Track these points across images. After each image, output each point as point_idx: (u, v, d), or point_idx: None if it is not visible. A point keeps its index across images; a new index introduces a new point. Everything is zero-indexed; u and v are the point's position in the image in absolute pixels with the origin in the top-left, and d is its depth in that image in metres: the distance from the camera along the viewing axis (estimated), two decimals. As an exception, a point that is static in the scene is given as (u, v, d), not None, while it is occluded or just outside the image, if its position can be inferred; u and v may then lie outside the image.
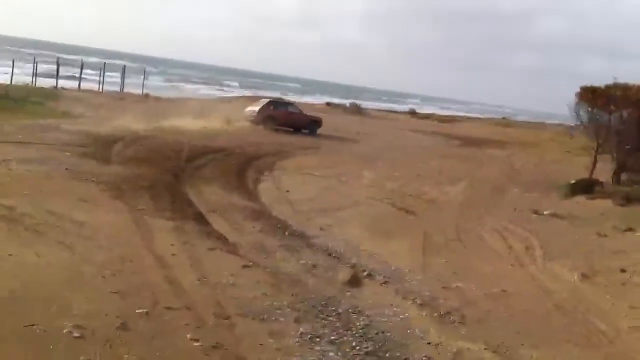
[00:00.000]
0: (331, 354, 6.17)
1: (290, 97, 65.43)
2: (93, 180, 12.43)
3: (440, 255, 10.92)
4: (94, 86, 41.82)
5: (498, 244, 12.20)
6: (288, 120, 31.07)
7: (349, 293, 8.19)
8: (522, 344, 7.15)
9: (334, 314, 7.30)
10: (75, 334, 5.44)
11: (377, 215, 13.69)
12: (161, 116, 27.05)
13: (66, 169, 13.10)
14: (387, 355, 6.38)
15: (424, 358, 6.44)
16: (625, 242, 12.59)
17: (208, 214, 11.34)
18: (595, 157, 21.55)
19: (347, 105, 57.92)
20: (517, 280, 9.75)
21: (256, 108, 30.83)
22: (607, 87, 21.24)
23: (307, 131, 31.13)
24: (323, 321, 7.00)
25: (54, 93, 33.49)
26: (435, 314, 7.82)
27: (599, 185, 18.94)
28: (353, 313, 7.42)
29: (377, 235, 11.80)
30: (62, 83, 39.68)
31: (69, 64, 52.04)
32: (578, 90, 22.20)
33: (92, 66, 50.69)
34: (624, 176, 20.98)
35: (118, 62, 65.42)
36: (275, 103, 32.54)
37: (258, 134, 26.88)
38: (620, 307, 8.53)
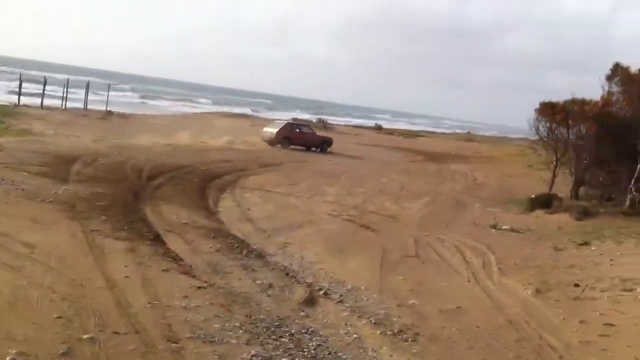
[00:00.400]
0: (281, 375, 6.14)
1: (260, 113, 66.14)
2: (49, 201, 12.24)
3: (398, 272, 10.96)
4: (58, 103, 41.20)
5: (456, 259, 12.32)
6: (302, 140, 33.81)
7: (303, 313, 8.15)
8: (474, 362, 7.23)
9: (287, 334, 7.26)
10: (18, 361, 5.34)
11: (337, 232, 13.71)
12: (123, 134, 26.87)
13: (22, 189, 12.87)
14: (337, 375, 6.38)
15: (374, 377, 6.45)
16: (580, 257, 12.81)
17: (165, 234, 11.21)
18: (554, 172, 21.94)
19: (313, 121, 58.04)
20: (472, 296, 9.85)
21: (274, 130, 33.49)
22: (566, 102, 21.67)
23: (319, 150, 33.90)
24: (275, 342, 6.96)
25: (14, 111, 32.93)
26: (389, 332, 7.84)
27: (558, 200, 19.29)
28: (306, 333, 7.39)
29: (335, 253, 11.81)
30: (25, 100, 39.00)
31: (33, 80, 51.17)
32: (537, 105, 22.60)
33: (58, 83, 49.81)
34: (582, 190, 21.42)
35: (85, 78, 64.48)
36: (291, 125, 35.34)
37: (222, 152, 26.75)
38: (571, 322, 8.67)
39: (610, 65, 21.87)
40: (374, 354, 7.10)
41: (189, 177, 18.22)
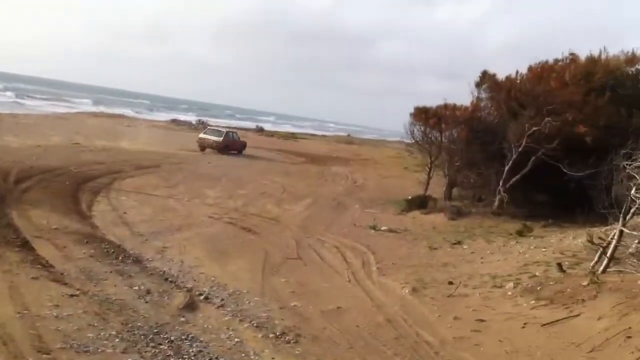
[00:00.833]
0: (159, 384, 5.93)
1: (139, 114, 64.76)
2: None
3: (280, 274, 10.95)
4: None
5: (336, 260, 12.48)
6: (234, 146, 36.35)
7: (183, 318, 7.94)
8: (354, 360, 7.32)
9: (166, 341, 7.03)
10: None
11: (218, 235, 13.51)
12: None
13: None
14: (218, 381, 6.25)
15: (256, 381, 6.38)
16: (454, 255, 13.36)
17: (34, 240, 10.55)
18: (429, 174, 22.80)
19: (193, 122, 57.12)
20: (352, 296, 9.99)
21: (218, 138, 35.01)
22: (438, 107, 22.57)
23: (236, 152, 36.19)
24: (154, 350, 6.73)
25: None
26: (271, 335, 7.80)
27: (432, 201, 20.06)
28: (186, 340, 7.20)
29: (216, 256, 11.62)
30: None
31: None
32: (413, 110, 23.38)
33: None
34: (455, 191, 22.38)
35: None
36: (230, 133, 37.69)
37: (96, 154, 25.65)
38: (446, 319, 8.99)
39: (479, 73, 22.97)
40: (256, 358, 7.03)
41: (60, 180, 17.27)
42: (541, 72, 20.59)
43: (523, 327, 8.35)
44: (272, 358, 7.08)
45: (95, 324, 7.09)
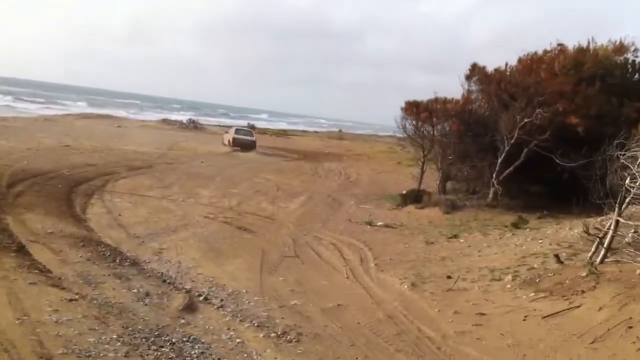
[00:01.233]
0: (163, 387, 5.90)
1: (131, 115, 65.20)
2: None
3: (278, 273, 10.92)
4: None
5: (334, 257, 12.46)
6: (253, 144, 39.39)
7: (183, 320, 7.90)
8: (357, 358, 7.31)
9: (167, 344, 7.00)
10: None
11: (214, 235, 13.45)
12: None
13: None
14: (222, 382, 6.23)
15: (260, 381, 6.36)
16: (451, 249, 13.37)
17: (30, 244, 10.47)
18: (422, 168, 22.80)
19: (184, 121, 56.92)
20: (351, 293, 9.99)
21: (249, 137, 40.07)
22: (429, 101, 22.55)
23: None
24: (156, 352, 6.69)
25: None
26: (273, 335, 7.78)
27: (427, 195, 20.06)
28: (188, 341, 7.17)
29: (214, 256, 11.58)
30: None
31: None
32: (404, 104, 23.35)
33: None
34: (449, 185, 22.39)
35: None
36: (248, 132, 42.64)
37: (87, 156, 25.51)
38: (446, 313, 8.99)
39: (469, 66, 22.97)
40: (258, 358, 7.02)
41: (52, 183, 17.17)
42: (530, 64, 20.61)
43: (524, 320, 8.36)
44: (275, 358, 7.07)
45: (96, 328, 7.04)
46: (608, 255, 9.94)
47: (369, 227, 15.95)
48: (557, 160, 17.63)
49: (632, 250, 10.01)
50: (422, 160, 23.15)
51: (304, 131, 76.82)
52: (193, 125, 54.29)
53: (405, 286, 10.37)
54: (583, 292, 8.73)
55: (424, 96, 23.48)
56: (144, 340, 6.97)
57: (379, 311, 9.10)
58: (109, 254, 10.69)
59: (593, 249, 10.31)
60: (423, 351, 7.65)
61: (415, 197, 20.08)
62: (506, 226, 15.52)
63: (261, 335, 7.73)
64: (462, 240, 14.23)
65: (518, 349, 7.57)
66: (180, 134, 47.33)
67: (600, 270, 9.36)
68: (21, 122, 41.36)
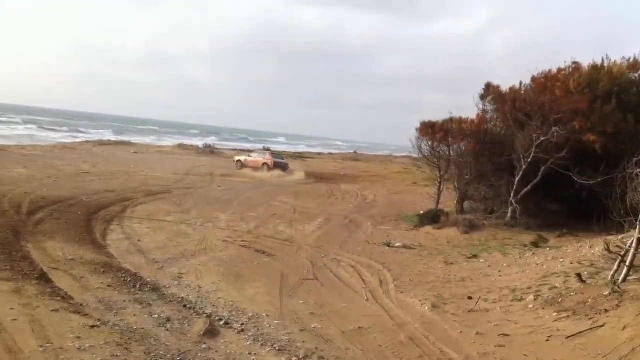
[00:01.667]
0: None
1: (150, 140, 66.97)
2: None
3: (298, 296, 10.90)
4: None
5: (353, 279, 12.42)
6: (283, 165, 43.19)
7: (205, 345, 7.89)
8: (380, 381, 7.27)
9: (189, 369, 7.02)
10: None
11: (233, 259, 13.48)
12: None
13: None
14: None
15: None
16: (471, 269, 13.29)
17: (51, 272, 10.56)
18: (439, 188, 22.76)
19: (200, 146, 57.34)
20: (372, 316, 9.93)
21: (282, 160, 44.72)
22: (444, 121, 22.57)
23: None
24: (179, 378, 6.70)
25: None
26: (294, 359, 7.74)
27: (445, 215, 19.99)
28: (210, 366, 7.17)
29: (233, 280, 11.60)
30: None
31: None
32: (418, 125, 23.39)
33: None
34: (466, 204, 22.31)
35: None
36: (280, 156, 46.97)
37: (105, 182, 25.76)
38: (468, 335, 8.91)
39: (483, 85, 23.02)
40: (281, 382, 6.99)
41: (72, 210, 17.33)
42: (545, 82, 20.62)
43: (547, 340, 8.28)
44: (297, 382, 7.04)
45: (118, 355, 7.07)
46: (630, 273, 9.84)
47: (387, 248, 15.92)
48: (575, 178, 17.54)
49: (655, 267, 9.90)
50: (438, 180, 23.14)
51: (319, 153, 77.11)
52: (209, 150, 54.68)
53: (426, 307, 10.31)
54: (606, 311, 8.63)
55: (438, 115, 23.60)
56: (166, 365, 6.98)
57: (400, 333, 9.04)
58: (129, 279, 10.73)
59: (615, 267, 10.21)
60: (446, 373, 7.59)
61: (432, 218, 20.04)
62: (526, 245, 15.43)
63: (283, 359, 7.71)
64: (482, 260, 14.15)
65: (542, 370, 7.49)
66: (197, 158, 47.66)
67: (622, 288, 9.26)
68: (40, 150, 41.90)
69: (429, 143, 23.52)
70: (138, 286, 10.37)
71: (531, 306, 9.81)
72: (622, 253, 10.16)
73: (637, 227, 9.81)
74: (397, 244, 16.31)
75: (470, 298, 10.73)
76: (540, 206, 20.17)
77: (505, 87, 22.27)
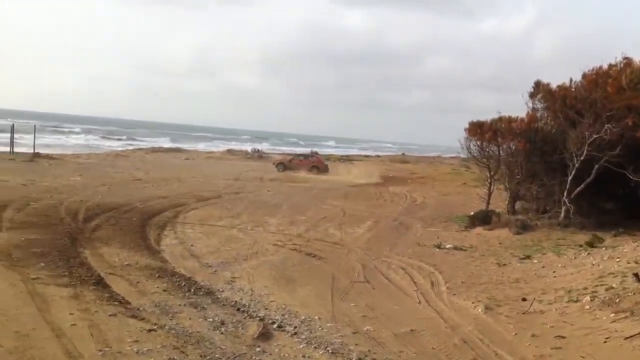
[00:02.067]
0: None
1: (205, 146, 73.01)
2: (-18, 251, 11.76)
3: (349, 298, 10.92)
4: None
5: (404, 281, 12.38)
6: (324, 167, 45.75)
7: (259, 348, 7.99)
8: (434, 383, 7.24)
9: (245, 372, 7.12)
10: None
11: (284, 262, 13.59)
12: (53, 176, 26.18)
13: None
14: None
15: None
16: (524, 271, 13.11)
17: (108, 277, 10.85)
18: (489, 189, 22.48)
19: (249, 151, 57.92)
20: (424, 318, 9.88)
21: (316, 160, 47.43)
22: (493, 121, 22.29)
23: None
24: (234, 381, 6.80)
25: None
26: (348, 361, 7.77)
27: (496, 216, 19.72)
28: (264, 369, 7.26)
29: (285, 283, 11.69)
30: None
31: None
32: (466, 125, 23.16)
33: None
34: (518, 205, 21.97)
35: (26, 121, 65.35)
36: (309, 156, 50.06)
37: (158, 189, 26.28)
38: (523, 337, 8.80)
39: (532, 83, 22.62)
40: (335, 385, 7.02)
41: (127, 216, 17.77)
42: (596, 78, 20.13)
43: (605, 342, 8.11)
44: (351, 384, 7.06)
45: (175, 358, 7.22)
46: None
47: (437, 250, 15.80)
48: (629, 176, 17.13)
49: None
50: (488, 180, 22.86)
51: (366, 156, 77.09)
52: (258, 155, 55.21)
53: (479, 310, 10.22)
54: (666, 311, 8.43)
55: (486, 115, 23.20)
56: (221, 368, 7.10)
57: (453, 336, 8.98)
58: (183, 284, 10.94)
59: (675, 266, 9.95)
60: (501, 376, 7.51)
61: (483, 219, 19.79)
62: (580, 245, 15.12)
63: (336, 362, 7.74)
64: (535, 261, 13.93)
65: (601, 372, 7.35)
66: (245, 163, 48.17)
67: (683, 288, 9.02)
68: (94, 158, 43.00)
69: (478, 143, 23.26)
70: (192, 290, 10.56)
71: (588, 307, 9.63)
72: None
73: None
74: (448, 246, 16.18)
75: (524, 300, 10.59)
76: (594, 205, 19.70)
77: (555, 85, 21.87)
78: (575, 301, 10.08)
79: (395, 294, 11.47)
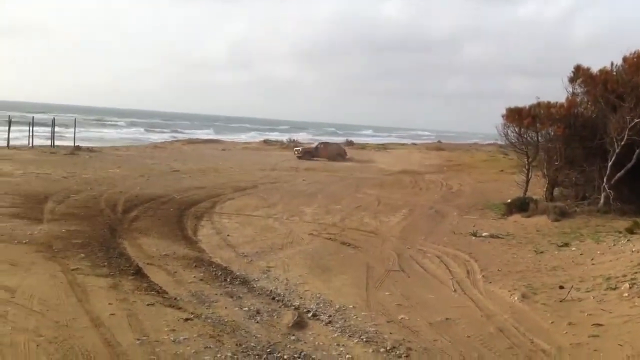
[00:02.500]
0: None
1: (245, 137, 77.41)
2: (25, 242, 12.10)
3: (384, 287, 10.92)
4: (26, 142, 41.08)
5: (440, 270, 12.32)
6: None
7: (293, 337, 8.07)
8: (468, 372, 7.20)
9: (279, 360, 7.19)
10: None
11: (319, 251, 13.64)
12: (94, 168, 26.67)
13: (-4, 232, 12.67)
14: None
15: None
16: (562, 258, 12.92)
17: (146, 267, 11.06)
18: (527, 175, 22.18)
19: (284, 141, 58.09)
20: (459, 307, 9.83)
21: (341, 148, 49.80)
22: (532, 106, 21.96)
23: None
24: (269, 369, 6.88)
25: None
26: (382, 350, 7.79)
27: (533, 203, 19.43)
28: (299, 358, 7.33)
29: (320, 272, 11.75)
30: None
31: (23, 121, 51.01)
32: (504, 111, 22.85)
33: (23, 122, 49.68)
34: (556, 191, 21.64)
35: (69, 115, 67.12)
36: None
37: (195, 179, 26.58)
38: (560, 325, 8.69)
39: (572, 68, 22.19)
40: (369, 373, 7.04)
41: (164, 207, 18.04)
42: (637, 62, 19.64)
43: (644, 330, 7.97)
44: (385, 373, 7.07)
45: (211, 346, 7.34)
46: None
47: (473, 238, 15.66)
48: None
49: None
50: (526, 167, 22.55)
51: (402, 144, 76.70)
52: (293, 145, 55.30)
53: (515, 298, 10.12)
54: None
55: (524, 102, 22.91)
56: (256, 357, 7.20)
57: (489, 324, 8.91)
58: (220, 273, 11.09)
59: None
60: (537, 364, 7.44)
61: (520, 206, 19.52)
62: (620, 232, 14.81)
63: (370, 351, 7.76)
64: (573, 249, 13.72)
65: (639, 361, 7.22)
66: (281, 153, 48.33)
67: None
68: (133, 150, 43.63)
69: (516, 129, 22.92)
70: (228, 280, 10.71)
71: (626, 295, 9.46)
72: None
73: None
74: (484, 234, 16.03)
75: (561, 287, 10.45)
76: (635, 191, 19.27)
77: (595, 69, 21.42)
78: (614, 289, 9.91)
79: (431, 283, 11.43)
